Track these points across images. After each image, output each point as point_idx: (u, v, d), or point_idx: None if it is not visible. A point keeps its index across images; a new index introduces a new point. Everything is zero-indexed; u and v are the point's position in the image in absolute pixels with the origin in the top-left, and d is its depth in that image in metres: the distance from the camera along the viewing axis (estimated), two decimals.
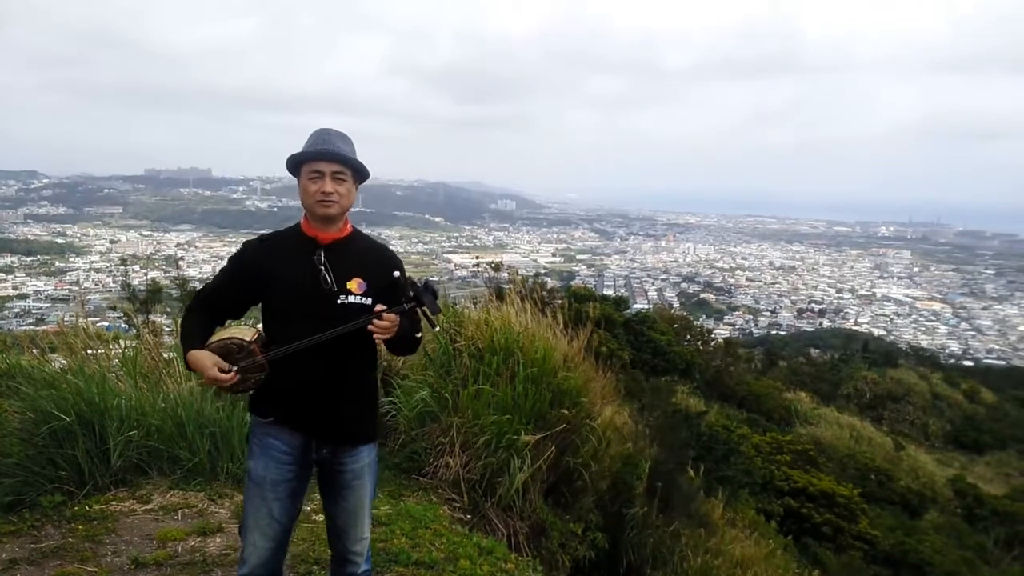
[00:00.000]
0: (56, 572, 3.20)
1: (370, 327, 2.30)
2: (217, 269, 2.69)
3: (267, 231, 2.63)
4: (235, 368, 2.28)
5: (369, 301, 2.38)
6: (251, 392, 2.41)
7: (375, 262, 2.48)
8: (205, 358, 2.27)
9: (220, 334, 2.36)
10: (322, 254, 2.39)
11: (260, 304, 2.47)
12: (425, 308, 2.40)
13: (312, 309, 2.34)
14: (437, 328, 2.81)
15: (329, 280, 2.36)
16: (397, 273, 2.45)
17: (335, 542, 2.58)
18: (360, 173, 2.44)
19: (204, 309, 2.45)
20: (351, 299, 2.38)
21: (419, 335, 2.53)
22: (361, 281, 2.40)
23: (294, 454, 2.42)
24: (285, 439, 2.41)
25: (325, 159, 2.35)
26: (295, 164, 2.40)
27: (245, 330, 2.38)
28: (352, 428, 2.46)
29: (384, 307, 2.32)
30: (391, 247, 2.65)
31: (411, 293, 2.39)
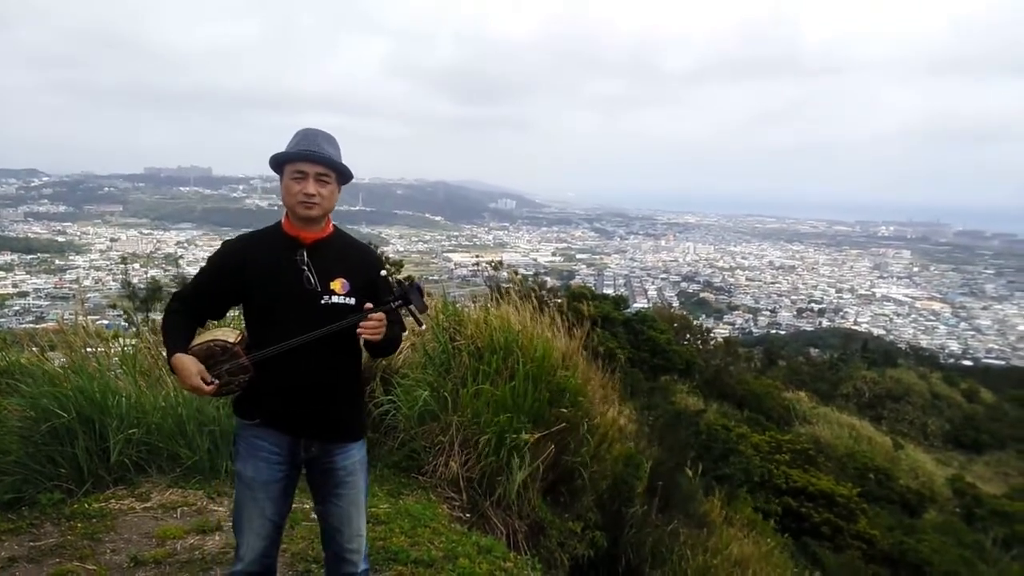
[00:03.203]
0: (55, 570, 3.20)
1: (360, 327, 2.29)
2: None
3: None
4: (216, 381, 2.26)
5: (353, 301, 2.37)
6: (235, 394, 2.39)
7: (358, 262, 2.46)
8: (189, 364, 2.24)
9: (203, 336, 2.33)
10: (304, 254, 2.36)
11: (241, 305, 2.44)
12: (412, 307, 2.40)
13: (295, 310, 2.32)
14: (424, 327, 2.82)
15: (312, 280, 2.34)
16: (384, 272, 2.45)
17: (330, 542, 2.54)
18: (344, 175, 2.42)
19: (185, 310, 2.40)
20: (335, 299, 2.36)
21: (404, 333, 2.53)
22: (344, 281, 2.38)
23: (283, 454, 2.41)
24: (273, 440, 2.39)
25: (309, 160, 2.33)
26: (279, 163, 2.37)
27: (228, 332, 2.36)
28: (339, 427, 2.45)
29: (372, 306, 2.31)
30: (372, 246, 2.63)
31: (397, 292, 2.38)
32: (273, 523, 2.44)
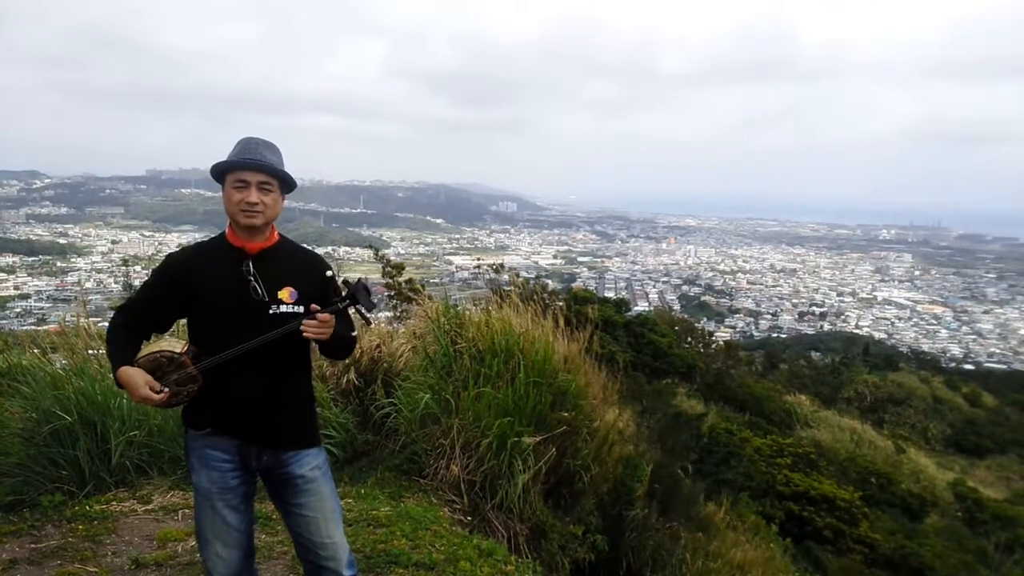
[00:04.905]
0: (56, 572, 3.20)
1: (303, 326, 2.27)
2: None
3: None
4: (166, 389, 2.24)
5: (301, 309, 2.35)
6: (184, 404, 2.37)
7: (305, 270, 2.45)
8: (136, 376, 2.21)
9: (149, 347, 2.31)
10: (251, 264, 2.35)
11: (187, 318, 2.41)
12: (360, 307, 2.38)
13: (243, 321, 2.30)
14: (372, 325, 2.80)
15: (260, 291, 2.33)
16: (329, 272, 2.44)
17: (304, 553, 2.51)
18: (287, 183, 2.41)
19: (130, 323, 2.38)
20: (283, 308, 2.35)
21: (354, 334, 2.51)
22: (292, 290, 2.37)
23: (235, 461, 2.39)
24: (223, 447, 2.38)
25: (251, 168, 2.31)
26: (220, 173, 2.35)
27: (175, 342, 2.33)
28: (289, 434, 2.42)
29: (318, 307, 2.30)
30: (319, 252, 2.60)
31: (345, 292, 2.37)
32: (239, 531, 2.42)
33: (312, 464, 2.45)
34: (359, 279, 2.43)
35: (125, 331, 2.36)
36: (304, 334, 2.28)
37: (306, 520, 2.44)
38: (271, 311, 2.34)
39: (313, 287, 2.41)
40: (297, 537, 2.50)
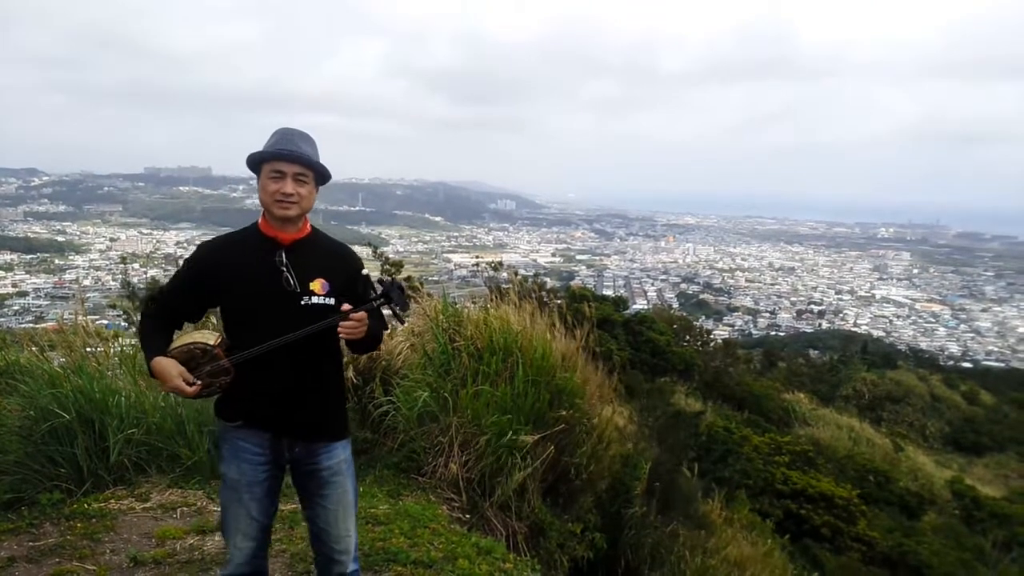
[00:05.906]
0: (54, 570, 3.20)
1: (340, 327, 2.28)
2: None
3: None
4: (199, 382, 2.24)
5: (332, 301, 2.36)
6: (216, 396, 2.38)
7: (337, 262, 2.45)
8: (170, 367, 2.22)
9: (182, 339, 2.31)
10: (283, 255, 2.35)
11: (219, 308, 2.42)
12: (395, 306, 2.40)
13: (275, 311, 2.30)
14: (406, 324, 2.82)
15: (292, 281, 2.32)
16: (365, 271, 2.45)
17: (319, 544, 2.54)
18: (322, 176, 2.41)
19: (162, 314, 2.40)
20: (314, 300, 2.35)
21: (386, 331, 2.53)
22: (324, 282, 2.37)
23: (266, 454, 2.40)
24: (255, 440, 2.39)
25: (288, 160, 2.31)
26: (256, 163, 2.36)
27: (208, 334, 2.34)
28: (322, 427, 2.44)
29: (351, 306, 2.30)
30: (351, 246, 2.61)
31: (379, 290, 2.38)
32: (259, 523, 2.44)
33: (340, 457, 2.48)
34: (393, 278, 2.46)
35: (156, 322, 2.38)
36: (340, 334, 2.30)
37: (327, 512, 2.47)
38: (303, 302, 2.34)
39: (344, 280, 2.42)
40: (314, 528, 2.53)
